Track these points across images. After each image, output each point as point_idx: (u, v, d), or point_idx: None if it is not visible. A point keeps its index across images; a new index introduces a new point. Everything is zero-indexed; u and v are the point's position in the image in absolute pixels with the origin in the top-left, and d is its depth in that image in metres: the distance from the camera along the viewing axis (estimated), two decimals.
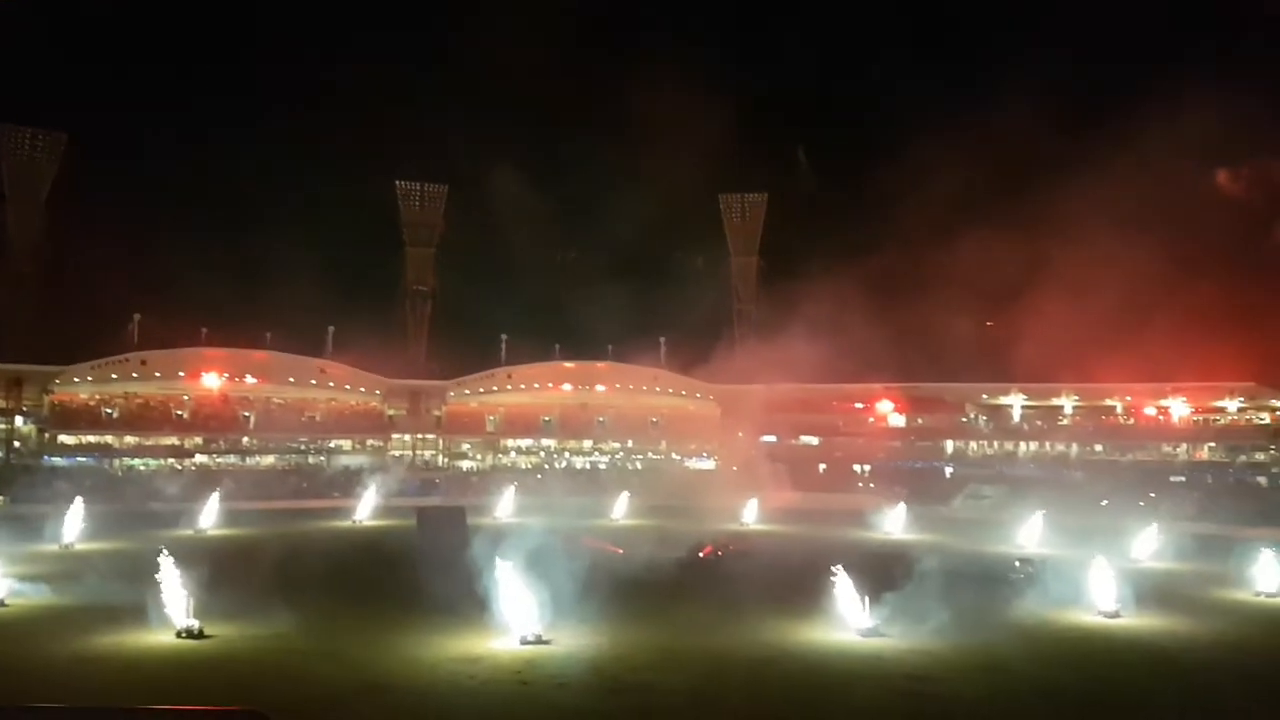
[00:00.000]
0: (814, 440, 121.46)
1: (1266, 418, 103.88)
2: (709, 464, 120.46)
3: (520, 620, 40.76)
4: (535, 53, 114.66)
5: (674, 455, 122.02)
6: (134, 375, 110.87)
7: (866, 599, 42.71)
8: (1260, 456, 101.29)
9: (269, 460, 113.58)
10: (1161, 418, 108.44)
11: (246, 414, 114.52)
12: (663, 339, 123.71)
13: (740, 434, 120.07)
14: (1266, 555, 54.89)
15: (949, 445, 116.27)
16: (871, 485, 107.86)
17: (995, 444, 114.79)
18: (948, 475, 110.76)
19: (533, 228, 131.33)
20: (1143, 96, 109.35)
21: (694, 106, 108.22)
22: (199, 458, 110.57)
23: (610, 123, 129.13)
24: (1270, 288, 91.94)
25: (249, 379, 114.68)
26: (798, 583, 48.60)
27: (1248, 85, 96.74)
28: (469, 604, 42.49)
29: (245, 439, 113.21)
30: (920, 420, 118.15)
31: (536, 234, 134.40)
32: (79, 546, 66.30)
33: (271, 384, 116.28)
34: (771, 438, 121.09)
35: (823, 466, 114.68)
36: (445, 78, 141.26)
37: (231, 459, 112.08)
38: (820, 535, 78.70)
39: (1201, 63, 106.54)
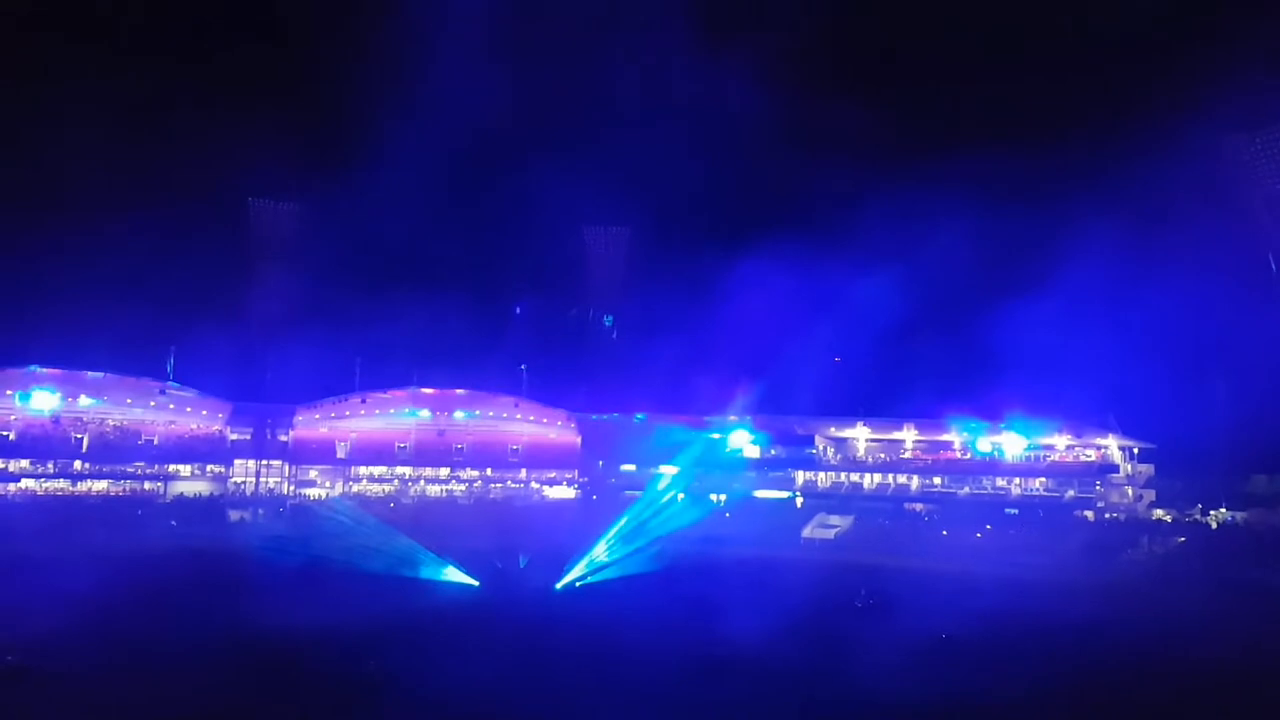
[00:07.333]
0: (673, 470, 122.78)
1: (1093, 454, 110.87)
2: (569, 492, 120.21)
3: None
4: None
5: (534, 484, 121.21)
6: None
7: None
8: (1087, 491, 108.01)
9: (101, 486, 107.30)
10: (995, 454, 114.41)
11: (79, 437, 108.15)
12: (524, 366, 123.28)
13: (600, 463, 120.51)
14: None
15: (799, 476, 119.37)
16: (727, 515, 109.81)
17: (843, 476, 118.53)
18: (797, 505, 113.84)
19: (391, 251, 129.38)
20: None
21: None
22: (25, 482, 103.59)
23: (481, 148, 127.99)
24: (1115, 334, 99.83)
25: (83, 400, 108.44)
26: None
27: None
28: None
29: (77, 463, 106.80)
30: (773, 451, 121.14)
31: (396, 257, 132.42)
32: None
33: (107, 406, 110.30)
34: (632, 467, 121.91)
35: (680, 496, 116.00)
36: (300, 93, 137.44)
37: (61, 483, 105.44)
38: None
39: None
